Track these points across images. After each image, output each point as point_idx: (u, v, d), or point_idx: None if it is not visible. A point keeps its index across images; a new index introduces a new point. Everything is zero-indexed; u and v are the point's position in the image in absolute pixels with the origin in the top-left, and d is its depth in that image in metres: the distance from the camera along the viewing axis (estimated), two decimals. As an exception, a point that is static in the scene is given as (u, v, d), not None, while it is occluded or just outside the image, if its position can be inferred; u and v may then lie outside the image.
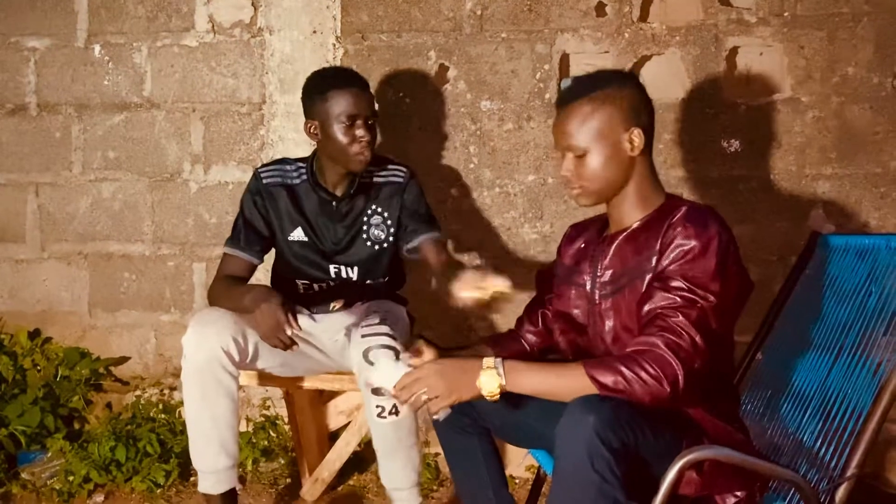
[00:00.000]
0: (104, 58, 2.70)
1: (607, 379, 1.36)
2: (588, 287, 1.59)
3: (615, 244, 1.56)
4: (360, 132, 1.96)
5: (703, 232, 1.42)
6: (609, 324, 1.53)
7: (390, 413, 1.83)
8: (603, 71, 1.62)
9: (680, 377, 1.35)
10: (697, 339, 1.37)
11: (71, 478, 2.33)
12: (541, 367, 1.44)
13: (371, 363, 1.76)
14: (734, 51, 2.39)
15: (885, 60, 2.32)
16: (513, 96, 2.47)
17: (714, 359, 1.43)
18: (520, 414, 1.64)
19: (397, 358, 1.73)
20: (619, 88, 1.51)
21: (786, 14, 2.35)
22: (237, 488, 1.95)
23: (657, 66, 2.42)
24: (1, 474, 2.38)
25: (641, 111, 1.52)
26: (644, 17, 2.41)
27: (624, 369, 1.35)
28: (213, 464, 1.89)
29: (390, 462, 1.90)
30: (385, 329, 1.82)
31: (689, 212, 1.47)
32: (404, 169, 2.11)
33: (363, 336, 1.81)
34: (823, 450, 1.59)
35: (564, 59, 2.46)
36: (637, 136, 1.50)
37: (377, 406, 1.83)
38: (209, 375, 1.84)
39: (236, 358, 1.86)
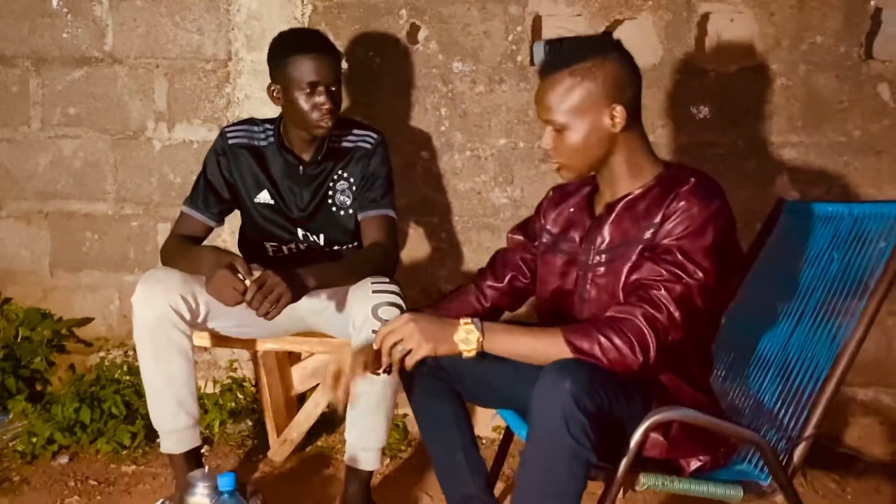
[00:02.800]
0: (63, 9, 2.60)
1: (583, 344, 1.38)
2: (582, 256, 1.58)
3: (615, 213, 1.54)
4: (321, 99, 1.92)
5: (706, 208, 1.42)
6: (598, 291, 1.54)
7: (384, 371, 1.82)
8: (585, 39, 1.57)
9: (651, 349, 1.37)
10: (676, 314, 1.39)
11: (34, 439, 2.30)
12: (518, 330, 1.44)
13: (380, 319, 1.76)
14: (706, 17, 2.38)
15: (853, 30, 2.33)
16: (485, 58, 2.45)
17: (696, 334, 1.45)
18: (490, 375, 1.66)
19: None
20: (601, 62, 1.47)
21: (757, -20, 2.36)
22: (203, 448, 1.95)
23: (629, 31, 2.40)
24: (-39, 436, 2.35)
25: (625, 85, 1.48)
26: (617, -20, 2.40)
27: (600, 336, 1.37)
28: (172, 423, 1.89)
29: (367, 419, 1.88)
30: (395, 288, 1.84)
31: (696, 185, 1.45)
32: (374, 134, 2.08)
33: (374, 292, 1.81)
34: (783, 411, 1.64)
35: (537, 21, 2.43)
36: (619, 113, 1.47)
37: None
38: (160, 334, 1.83)
39: (187, 316, 1.85)
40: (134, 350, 2.64)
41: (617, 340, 1.37)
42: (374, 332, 1.77)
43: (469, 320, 1.42)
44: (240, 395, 2.56)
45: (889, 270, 1.55)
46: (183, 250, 1.92)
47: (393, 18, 2.46)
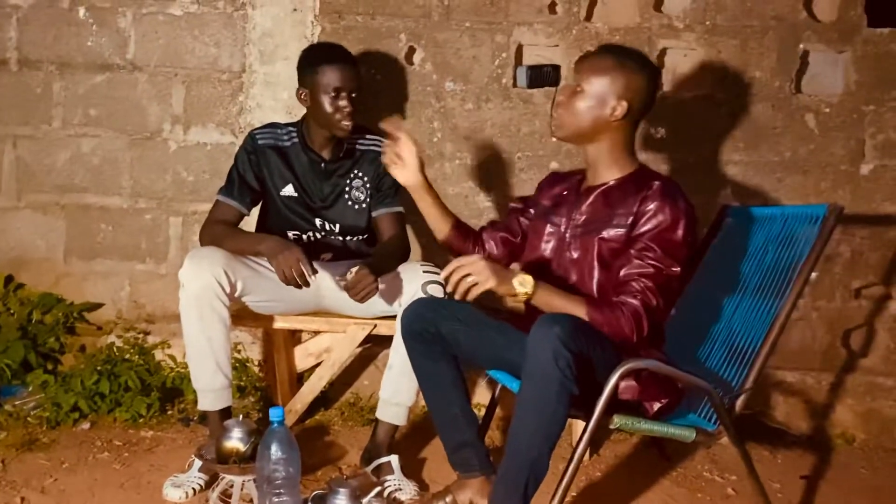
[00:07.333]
0: (88, 20, 2.84)
1: (597, 317, 1.75)
2: (562, 228, 1.94)
3: (592, 196, 1.91)
4: (343, 103, 2.26)
5: (675, 207, 1.79)
6: (574, 258, 1.89)
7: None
8: (639, 51, 1.93)
9: (645, 329, 1.76)
10: (661, 302, 1.78)
11: (57, 408, 2.50)
12: (558, 292, 1.79)
13: (427, 294, 2.12)
14: (664, 51, 2.78)
15: (785, 67, 2.75)
16: (474, 79, 2.79)
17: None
18: (485, 342, 1.97)
19: (444, 293, 2.10)
20: (638, 68, 1.86)
21: (707, 23, 2.76)
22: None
23: (599, 61, 2.78)
24: (-14, 405, 2.54)
25: (639, 94, 1.85)
26: (589, 17, 2.77)
27: (610, 315, 1.75)
28: (210, 383, 2.13)
29: (403, 378, 2.16)
30: (438, 270, 2.15)
31: (663, 187, 1.82)
32: (382, 139, 2.39)
33: (424, 272, 2.17)
34: (728, 372, 2.00)
35: (519, 49, 2.79)
36: (621, 108, 1.83)
37: None
38: (205, 301, 2.08)
39: (227, 289, 2.11)
40: (144, 333, 2.89)
41: (623, 320, 1.75)
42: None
43: (529, 276, 1.76)
44: (244, 375, 2.79)
45: (811, 258, 1.92)
46: (232, 232, 2.21)
47: (393, 41, 2.79)
